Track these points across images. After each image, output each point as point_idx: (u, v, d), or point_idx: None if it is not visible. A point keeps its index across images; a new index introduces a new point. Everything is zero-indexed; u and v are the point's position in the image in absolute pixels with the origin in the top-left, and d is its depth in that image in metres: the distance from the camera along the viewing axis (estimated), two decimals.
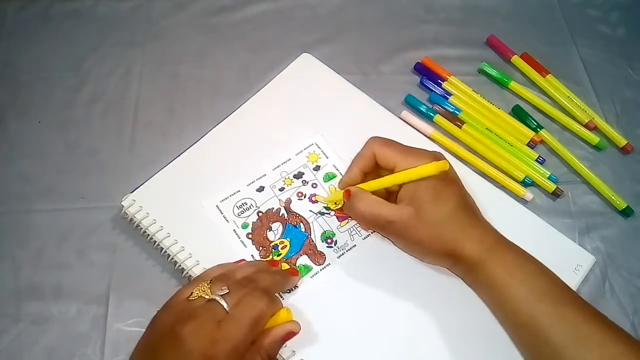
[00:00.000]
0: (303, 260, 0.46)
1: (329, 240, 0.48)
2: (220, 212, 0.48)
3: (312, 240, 0.47)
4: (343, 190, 0.46)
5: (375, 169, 0.46)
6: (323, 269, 0.46)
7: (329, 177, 0.51)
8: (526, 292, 0.40)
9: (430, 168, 0.41)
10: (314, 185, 0.50)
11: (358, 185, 0.45)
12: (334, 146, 0.52)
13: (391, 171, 0.44)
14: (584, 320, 0.38)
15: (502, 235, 0.43)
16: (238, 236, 0.47)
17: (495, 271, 0.41)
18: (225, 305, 0.37)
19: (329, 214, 0.49)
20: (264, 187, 0.50)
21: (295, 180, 0.50)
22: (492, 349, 0.43)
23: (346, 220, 0.49)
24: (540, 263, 0.42)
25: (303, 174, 0.51)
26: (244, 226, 0.48)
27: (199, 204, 0.48)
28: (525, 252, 0.43)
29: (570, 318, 0.38)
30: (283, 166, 0.51)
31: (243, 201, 0.49)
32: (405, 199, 0.43)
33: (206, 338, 0.35)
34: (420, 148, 0.45)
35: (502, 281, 0.41)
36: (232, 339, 0.35)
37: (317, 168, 0.51)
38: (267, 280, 0.41)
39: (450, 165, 0.44)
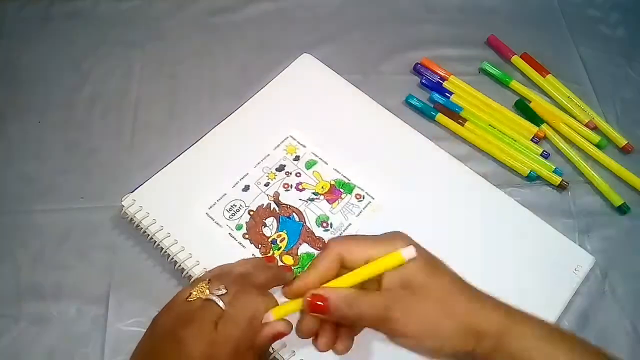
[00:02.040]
0: (304, 248, 0.47)
1: (324, 224, 0.48)
2: (211, 218, 0.48)
3: (309, 228, 0.48)
4: (304, 298, 0.35)
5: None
6: None
7: (310, 164, 0.51)
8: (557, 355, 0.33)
9: (398, 257, 0.33)
10: (298, 174, 0.51)
11: (328, 285, 0.35)
12: (307, 133, 0.52)
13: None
14: None
15: (508, 304, 0.36)
16: (235, 238, 0.47)
17: (522, 341, 0.34)
18: (221, 304, 0.37)
19: (319, 198, 0.49)
20: (249, 185, 0.50)
21: (278, 173, 0.51)
22: None
23: (336, 202, 0.49)
24: (560, 327, 0.37)
25: (285, 166, 0.51)
26: (238, 227, 0.48)
27: (198, 204, 0.48)
28: (542, 319, 0.35)
29: None
30: (263, 162, 0.51)
31: (232, 203, 0.49)
32: (395, 285, 0.34)
33: (206, 340, 0.35)
34: (384, 233, 0.37)
35: (532, 351, 0.33)
36: (232, 340, 0.35)
37: (297, 158, 0.52)
38: (262, 276, 0.41)
39: (425, 250, 0.36)
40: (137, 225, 0.47)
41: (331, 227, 0.48)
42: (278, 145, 0.52)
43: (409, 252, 0.33)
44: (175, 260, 0.45)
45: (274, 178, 0.50)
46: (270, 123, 0.53)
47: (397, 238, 0.36)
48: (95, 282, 0.46)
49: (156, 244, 0.46)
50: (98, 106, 0.55)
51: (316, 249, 0.47)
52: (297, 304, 0.35)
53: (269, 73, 0.57)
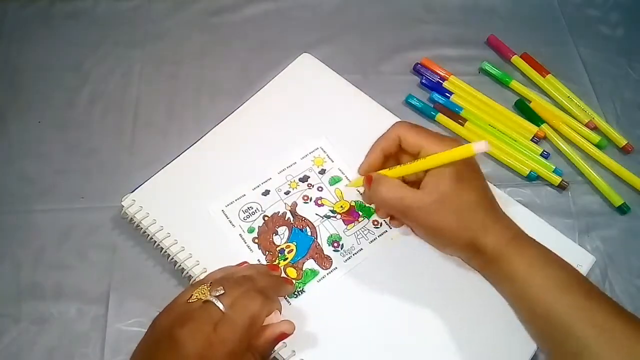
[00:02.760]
0: (309, 264, 0.46)
1: (335, 244, 0.47)
2: (226, 216, 0.48)
3: (319, 244, 0.47)
4: (363, 176, 0.45)
5: (396, 154, 0.45)
6: (330, 273, 0.46)
7: (334, 180, 0.51)
8: (548, 284, 0.40)
9: (459, 151, 0.39)
10: (320, 189, 0.50)
11: (379, 172, 0.44)
12: (337, 148, 0.52)
13: (414, 156, 0.43)
14: (607, 313, 0.38)
15: (522, 230, 0.43)
16: (244, 241, 0.47)
17: (516, 264, 0.40)
18: (220, 306, 0.37)
19: (335, 217, 0.49)
20: (269, 190, 0.49)
21: (300, 183, 0.50)
22: (498, 354, 0.43)
23: (352, 224, 0.48)
24: (561, 258, 0.42)
25: (309, 177, 0.51)
26: (250, 230, 0.47)
27: (199, 204, 0.48)
28: (546, 247, 0.42)
29: (594, 310, 0.38)
30: (288, 170, 0.51)
31: (249, 205, 0.49)
32: (430, 185, 0.42)
33: (203, 341, 0.35)
34: (445, 135, 0.44)
35: (523, 273, 0.40)
36: (228, 342, 0.36)
37: (322, 172, 0.51)
38: (264, 281, 0.41)
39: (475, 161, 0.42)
40: (137, 225, 0.47)
41: (342, 248, 0.47)
42: (306, 155, 0.52)
43: (480, 147, 0.38)
44: (175, 261, 0.45)
45: (296, 187, 0.50)
46: (270, 124, 0.53)
47: (454, 141, 0.42)
48: (95, 282, 0.46)
49: (156, 244, 0.46)
50: (98, 106, 0.55)
51: (322, 267, 0.46)
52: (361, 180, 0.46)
53: (269, 73, 0.57)
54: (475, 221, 0.41)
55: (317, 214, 0.49)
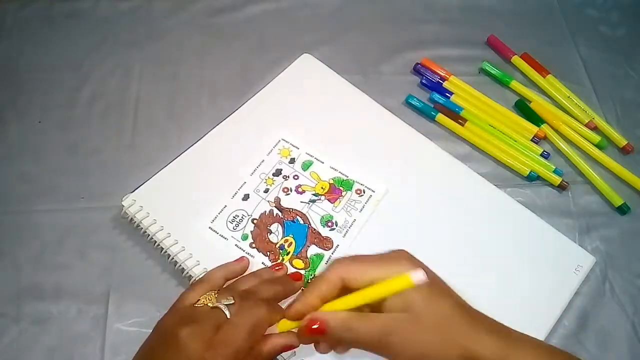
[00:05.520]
0: (313, 250, 0.47)
1: (329, 224, 0.48)
2: (215, 232, 0.47)
3: (314, 229, 0.48)
4: (301, 321, 0.35)
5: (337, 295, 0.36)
6: (334, 252, 0.47)
7: (306, 165, 0.51)
8: None
9: (398, 283, 0.33)
10: (296, 177, 0.50)
11: (323, 311, 0.35)
12: (297, 134, 0.52)
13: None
14: None
15: (509, 327, 0.36)
16: (242, 249, 0.47)
17: None
18: (227, 313, 0.37)
19: (320, 199, 0.49)
20: (248, 194, 0.49)
21: (275, 178, 0.50)
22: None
23: (338, 200, 0.49)
24: (560, 349, 0.36)
25: (281, 170, 0.51)
26: (244, 237, 0.47)
27: (199, 204, 0.48)
28: (541, 341, 0.37)
29: None
30: (259, 168, 0.51)
31: (234, 214, 0.48)
32: (396, 307, 0.34)
33: (205, 342, 0.35)
34: (388, 252, 0.36)
35: None
36: (231, 344, 0.36)
37: (292, 161, 0.51)
38: (268, 291, 0.41)
39: (430, 270, 0.35)
40: (137, 226, 0.47)
41: (336, 225, 0.48)
42: (271, 150, 0.52)
43: (419, 277, 0.32)
44: (176, 261, 0.45)
45: (272, 184, 0.50)
46: (262, 127, 0.53)
47: (402, 258, 0.35)
48: (95, 282, 0.46)
49: (156, 244, 0.46)
50: (98, 106, 0.55)
51: (325, 249, 0.47)
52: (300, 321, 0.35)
53: (269, 73, 0.57)
54: (460, 332, 0.34)
55: (302, 202, 0.49)
